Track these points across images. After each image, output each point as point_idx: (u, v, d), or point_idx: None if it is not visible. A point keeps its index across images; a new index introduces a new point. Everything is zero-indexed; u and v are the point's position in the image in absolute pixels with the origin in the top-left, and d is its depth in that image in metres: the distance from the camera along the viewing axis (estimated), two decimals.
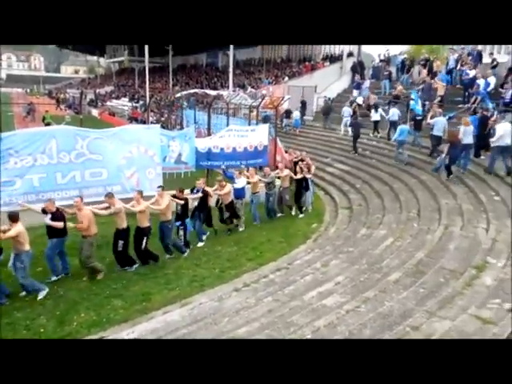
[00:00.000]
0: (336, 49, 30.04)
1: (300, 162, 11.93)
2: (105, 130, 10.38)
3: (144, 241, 8.04)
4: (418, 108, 14.79)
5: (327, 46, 30.91)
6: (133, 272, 7.98)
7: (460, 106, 14.74)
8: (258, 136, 12.63)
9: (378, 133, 17.00)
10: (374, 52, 29.87)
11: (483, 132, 11.65)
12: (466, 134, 11.14)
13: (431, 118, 13.18)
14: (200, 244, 9.56)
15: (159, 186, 8.78)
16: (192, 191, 9.45)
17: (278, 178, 11.44)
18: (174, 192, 9.15)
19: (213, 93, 21.47)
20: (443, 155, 11.26)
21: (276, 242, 9.48)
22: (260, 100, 16.20)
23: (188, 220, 9.22)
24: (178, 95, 24.48)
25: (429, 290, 5.78)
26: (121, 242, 7.82)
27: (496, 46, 18.72)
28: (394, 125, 15.41)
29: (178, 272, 7.91)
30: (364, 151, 16.01)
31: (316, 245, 9.27)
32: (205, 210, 9.63)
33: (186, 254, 8.88)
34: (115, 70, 63.57)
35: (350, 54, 27.95)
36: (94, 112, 39.05)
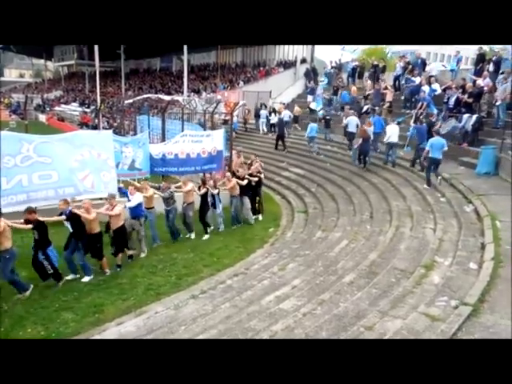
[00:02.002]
0: (289, 54, 30.53)
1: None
2: (53, 135, 9.94)
3: None
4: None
5: (281, 52, 31.36)
6: (84, 283, 7.66)
7: (408, 111, 15.39)
8: (213, 141, 12.49)
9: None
10: (327, 58, 30.63)
11: (430, 136, 12.18)
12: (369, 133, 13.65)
13: (346, 117, 15.60)
14: (86, 278, 7.75)
15: None
16: (60, 215, 7.64)
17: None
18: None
19: (167, 98, 21.18)
20: (355, 146, 13.93)
21: (233, 248, 9.46)
22: (215, 105, 16.14)
23: (51, 248, 7.52)
24: (131, 101, 23.89)
25: (381, 290, 5.96)
26: None
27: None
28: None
29: (132, 281, 7.68)
30: (318, 155, 16.35)
31: (273, 249, 9.34)
32: (84, 238, 7.75)
33: (28, 293, 7.03)
34: (64, 73, 61.22)
35: (304, 60, 28.50)
36: (42, 117, 37.38)
